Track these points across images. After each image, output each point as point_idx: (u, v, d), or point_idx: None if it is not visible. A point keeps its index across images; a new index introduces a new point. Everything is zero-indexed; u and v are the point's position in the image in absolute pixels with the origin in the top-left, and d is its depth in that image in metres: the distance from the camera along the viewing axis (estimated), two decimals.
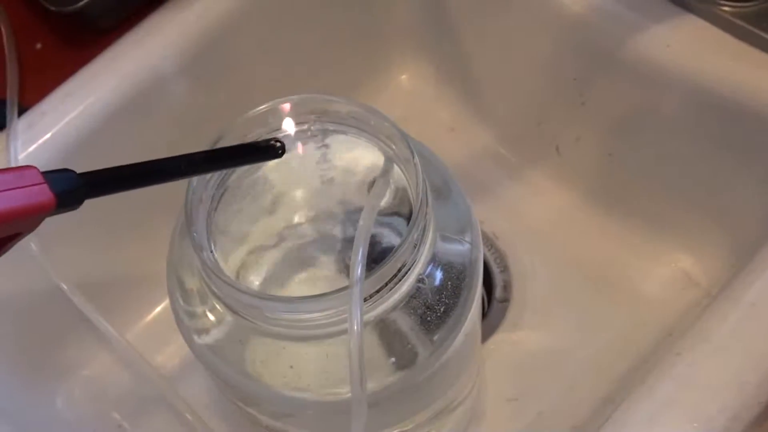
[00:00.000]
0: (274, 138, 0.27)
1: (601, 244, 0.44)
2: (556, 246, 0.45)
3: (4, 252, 0.20)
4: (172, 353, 0.43)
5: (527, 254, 0.45)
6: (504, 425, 0.40)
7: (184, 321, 0.28)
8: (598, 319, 0.42)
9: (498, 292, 0.44)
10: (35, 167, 0.20)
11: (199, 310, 0.27)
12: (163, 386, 0.40)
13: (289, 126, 0.27)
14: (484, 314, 0.44)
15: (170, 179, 0.24)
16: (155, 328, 0.44)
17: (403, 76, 0.51)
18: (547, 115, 0.46)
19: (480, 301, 0.29)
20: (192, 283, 0.28)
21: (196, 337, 0.27)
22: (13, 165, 0.36)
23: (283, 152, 0.27)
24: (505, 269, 0.45)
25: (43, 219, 0.20)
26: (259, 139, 0.27)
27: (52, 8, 0.39)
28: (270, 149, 0.26)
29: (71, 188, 0.20)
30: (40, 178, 0.19)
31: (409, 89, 0.51)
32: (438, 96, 0.50)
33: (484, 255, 0.45)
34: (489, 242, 0.45)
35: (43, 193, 0.19)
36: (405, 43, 0.49)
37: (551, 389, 0.40)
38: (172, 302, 0.28)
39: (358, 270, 0.23)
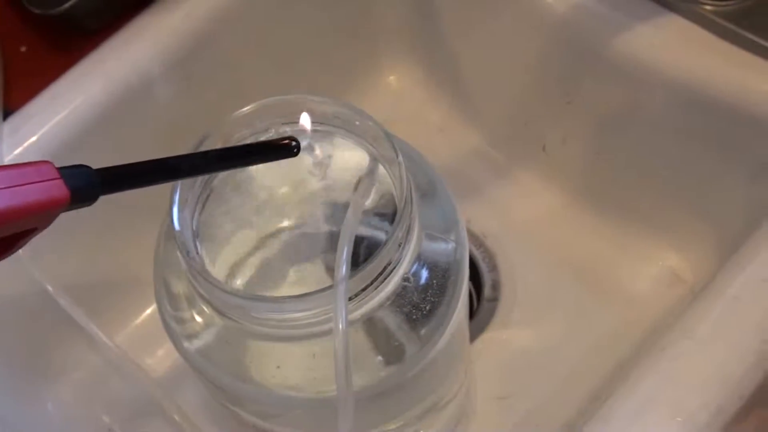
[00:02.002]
0: (290, 137, 0.26)
1: (589, 243, 0.45)
2: (545, 245, 0.45)
3: (20, 247, 0.20)
4: (161, 356, 0.43)
5: (516, 253, 0.45)
6: (493, 423, 0.40)
7: (172, 324, 0.28)
8: (586, 317, 0.43)
9: (487, 291, 0.44)
10: (50, 162, 0.20)
11: (186, 313, 0.27)
12: (153, 389, 0.40)
13: (305, 121, 0.27)
14: (473, 313, 0.44)
15: (185, 176, 0.24)
16: (145, 330, 0.44)
17: (392, 78, 0.51)
18: (534, 115, 0.46)
19: (467, 299, 0.29)
20: (178, 286, 0.28)
21: (183, 340, 0.27)
22: None
23: (299, 151, 0.26)
24: (493, 268, 0.45)
25: (57, 215, 0.20)
26: (272, 138, 0.27)
27: (37, 11, 0.39)
28: (285, 148, 0.26)
29: (86, 184, 0.20)
30: (56, 173, 0.19)
31: (397, 90, 0.51)
32: (427, 97, 0.50)
33: (473, 254, 0.45)
34: (478, 241, 0.46)
35: (59, 189, 0.19)
36: (393, 44, 0.50)
37: (540, 387, 0.41)
38: (159, 306, 0.28)
39: (343, 269, 0.24)
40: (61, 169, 0.20)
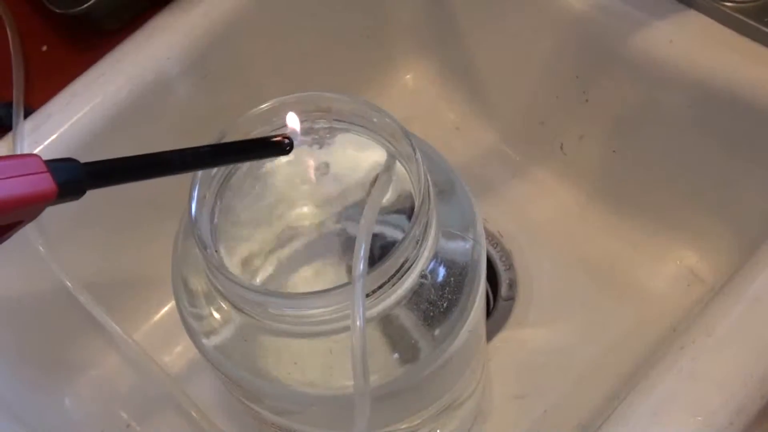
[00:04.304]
0: (283, 134, 0.26)
1: (606, 242, 0.44)
2: (561, 244, 0.45)
3: (5, 239, 0.20)
4: (179, 353, 0.43)
5: (532, 252, 0.45)
6: (510, 423, 0.40)
7: (190, 320, 0.28)
8: (603, 316, 0.42)
9: (503, 290, 0.44)
10: (38, 155, 0.20)
11: (204, 310, 0.28)
12: (170, 386, 0.40)
13: (293, 122, 0.27)
14: (490, 312, 0.44)
15: (175, 172, 0.24)
16: (162, 327, 0.44)
17: (409, 76, 0.51)
18: (551, 114, 0.46)
19: (484, 298, 0.29)
20: (197, 283, 0.28)
21: (201, 336, 0.28)
22: None
23: (291, 149, 0.26)
24: (510, 267, 0.45)
25: (44, 208, 0.20)
26: (267, 135, 0.27)
27: (58, 10, 0.39)
28: (278, 145, 0.26)
29: (74, 178, 0.20)
30: (43, 167, 0.19)
31: (414, 89, 0.51)
32: (443, 95, 0.50)
33: (490, 253, 0.45)
34: (494, 240, 0.46)
35: (46, 182, 0.19)
36: (410, 42, 0.50)
37: (557, 387, 0.40)
38: (178, 302, 0.28)
39: (360, 266, 0.24)
40: (48, 163, 0.19)
